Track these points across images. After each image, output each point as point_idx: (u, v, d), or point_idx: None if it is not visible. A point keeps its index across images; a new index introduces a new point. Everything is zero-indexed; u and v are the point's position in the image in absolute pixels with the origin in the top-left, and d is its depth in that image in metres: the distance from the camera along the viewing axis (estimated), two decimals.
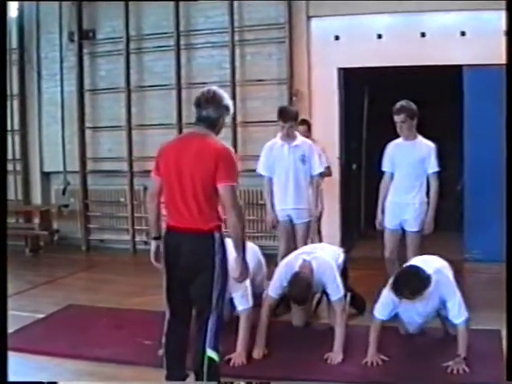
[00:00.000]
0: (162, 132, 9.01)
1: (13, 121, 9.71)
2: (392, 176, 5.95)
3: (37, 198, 10.07)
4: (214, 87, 4.01)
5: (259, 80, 8.68)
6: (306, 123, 7.48)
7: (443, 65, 7.69)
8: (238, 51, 8.76)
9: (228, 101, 3.96)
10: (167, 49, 9.02)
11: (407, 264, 4.91)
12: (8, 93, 9.58)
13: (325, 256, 5.25)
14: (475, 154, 7.88)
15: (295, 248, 5.98)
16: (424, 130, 5.72)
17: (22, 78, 9.77)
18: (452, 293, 4.70)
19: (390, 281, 4.68)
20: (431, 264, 4.87)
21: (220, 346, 3.96)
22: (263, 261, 5.74)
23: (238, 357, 4.80)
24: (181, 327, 4.04)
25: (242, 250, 3.87)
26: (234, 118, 8.74)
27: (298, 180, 6.16)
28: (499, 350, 4.73)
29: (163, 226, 4.02)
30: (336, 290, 5.05)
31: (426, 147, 5.86)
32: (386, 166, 5.99)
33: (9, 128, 9.64)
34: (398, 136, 5.96)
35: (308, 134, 7.39)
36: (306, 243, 6.18)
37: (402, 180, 5.88)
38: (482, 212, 7.81)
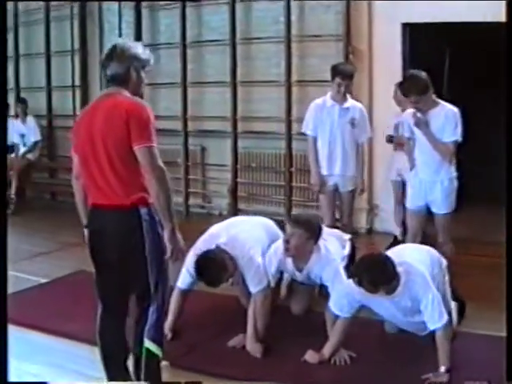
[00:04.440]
0: (219, 90, 8.63)
1: (74, 76, 9.57)
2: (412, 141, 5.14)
3: None
4: (120, 41, 3.49)
5: (316, 36, 7.92)
6: None
7: None
8: (294, 3, 8.02)
9: (135, 49, 3.35)
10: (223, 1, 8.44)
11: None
12: (69, 48, 9.52)
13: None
14: None
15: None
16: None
17: (84, 33, 9.50)
18: (425, 293, 3.93)
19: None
20: (406, 257, 4.15)
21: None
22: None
23: (253, 348, 4.34)
24: (115, 322, 3.48)
25: (169, 220, 3.26)
26: (289, 76, 8.13)
27: (346, 145, 5.73)
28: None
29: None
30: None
31: (446, 113, 4.89)
32: (406, 131, 5.19)
33: (70, 83, 9.60)
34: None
35: None
36: (350, 215, 5.94)
37: (425, 154, 5.01)
38: None
